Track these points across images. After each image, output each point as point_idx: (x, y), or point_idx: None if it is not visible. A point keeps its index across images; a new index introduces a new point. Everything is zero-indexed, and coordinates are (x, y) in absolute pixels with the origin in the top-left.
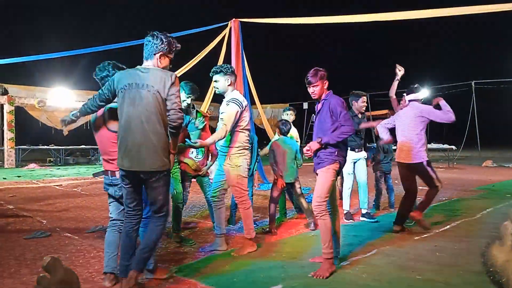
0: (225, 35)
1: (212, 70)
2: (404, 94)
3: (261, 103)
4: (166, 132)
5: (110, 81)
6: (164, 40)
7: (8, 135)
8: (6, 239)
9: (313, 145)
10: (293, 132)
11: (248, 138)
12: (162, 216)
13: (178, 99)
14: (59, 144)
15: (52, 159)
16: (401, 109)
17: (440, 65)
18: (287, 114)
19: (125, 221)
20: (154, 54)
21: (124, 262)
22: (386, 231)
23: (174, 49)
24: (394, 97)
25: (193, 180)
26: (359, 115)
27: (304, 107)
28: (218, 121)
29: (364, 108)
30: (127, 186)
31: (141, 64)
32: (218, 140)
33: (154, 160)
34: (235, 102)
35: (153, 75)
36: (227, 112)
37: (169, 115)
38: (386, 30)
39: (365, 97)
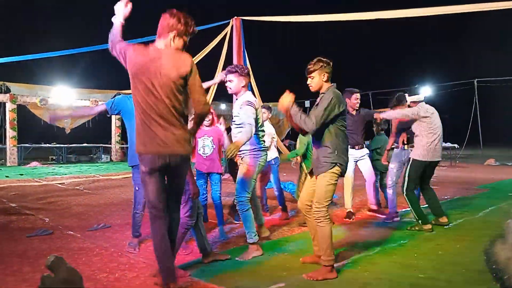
0: (226, 33)
1: (227, 69)
2: (407, 95)
3: (263, 101)
4: (184, 120)
5: (122, 54)
6: (181, 19)
7: (10, 133)
8: (8, 237)
9: (285, 100)
10: (269, 129)
11: (264, 140)
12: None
13: (199, 87)
14: (61, 142)
15: (54, 157)
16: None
17: (442, 64)
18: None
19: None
20: (168, 33)
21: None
22: (387, 230)
23: (191, 31)
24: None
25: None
26: (353, 112)
27: (306, 105)
28: (233, 120)
29: (357, 105)
30: (153, 178)
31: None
32: (247, 140)
33: (179, 145)
34: (249, 104)
35: (166, 60)
36: (244, 115)
37: (194, 104)
38: (388, 28)
39: (357, 94)
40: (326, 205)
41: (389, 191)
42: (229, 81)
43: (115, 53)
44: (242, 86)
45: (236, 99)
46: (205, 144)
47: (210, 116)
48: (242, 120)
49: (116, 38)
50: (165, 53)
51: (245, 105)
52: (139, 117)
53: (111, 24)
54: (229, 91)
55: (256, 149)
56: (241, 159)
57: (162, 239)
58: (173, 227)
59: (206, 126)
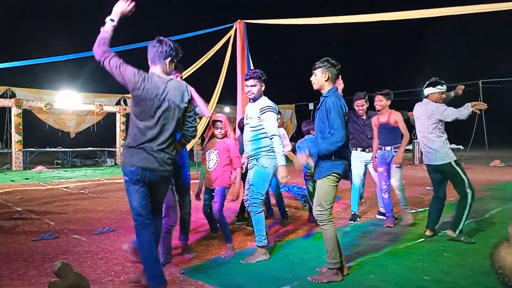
0: (230, 36)
1: (248, 74)
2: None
3: None
4: (173, 140)
5: (117, 70)
6: (172, 46)
7: (16, 137)
8: (14, 241)
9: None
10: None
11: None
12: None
13: (193, 114)
14: (66, 147)
15: (59, 162)
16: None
17: (447, 64)
18: None
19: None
20: (164, 59)
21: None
22: (393, 232)
23: (180, 55)
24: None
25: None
26: (364, 116)
27: (309, 108)
28: (247, 122)
29: (361, 111)
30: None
31: (146, 66)
32: (284, 153)
33: (164, 165)
34: (271, 110)
35: (171, 87)
36: (269, 122)
37: (187, 129)
38: (393, 30)
39: (360, 101)
40: (328, 208)
41: (385, 196)
42: (252, 86)
43: (107, 65)
44: (262, 91)
45: (250, 102)
46: (210, 158)
47: (222, 131)
48: (269, 130)
49: (106, 46)
50: (170, 85)
51: (268, 111)
52: (134, 131)
53: (102, 24)
54: (251, 96)
55: (271, 150)
56: (256, 160)
57: (151, 247)
58: (156, 235)
59: (219, 138)
